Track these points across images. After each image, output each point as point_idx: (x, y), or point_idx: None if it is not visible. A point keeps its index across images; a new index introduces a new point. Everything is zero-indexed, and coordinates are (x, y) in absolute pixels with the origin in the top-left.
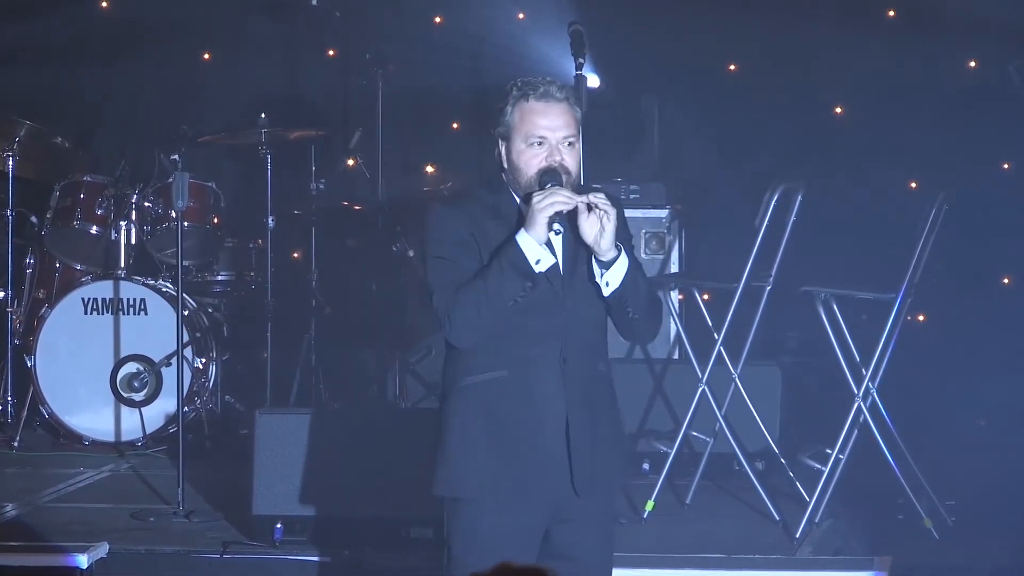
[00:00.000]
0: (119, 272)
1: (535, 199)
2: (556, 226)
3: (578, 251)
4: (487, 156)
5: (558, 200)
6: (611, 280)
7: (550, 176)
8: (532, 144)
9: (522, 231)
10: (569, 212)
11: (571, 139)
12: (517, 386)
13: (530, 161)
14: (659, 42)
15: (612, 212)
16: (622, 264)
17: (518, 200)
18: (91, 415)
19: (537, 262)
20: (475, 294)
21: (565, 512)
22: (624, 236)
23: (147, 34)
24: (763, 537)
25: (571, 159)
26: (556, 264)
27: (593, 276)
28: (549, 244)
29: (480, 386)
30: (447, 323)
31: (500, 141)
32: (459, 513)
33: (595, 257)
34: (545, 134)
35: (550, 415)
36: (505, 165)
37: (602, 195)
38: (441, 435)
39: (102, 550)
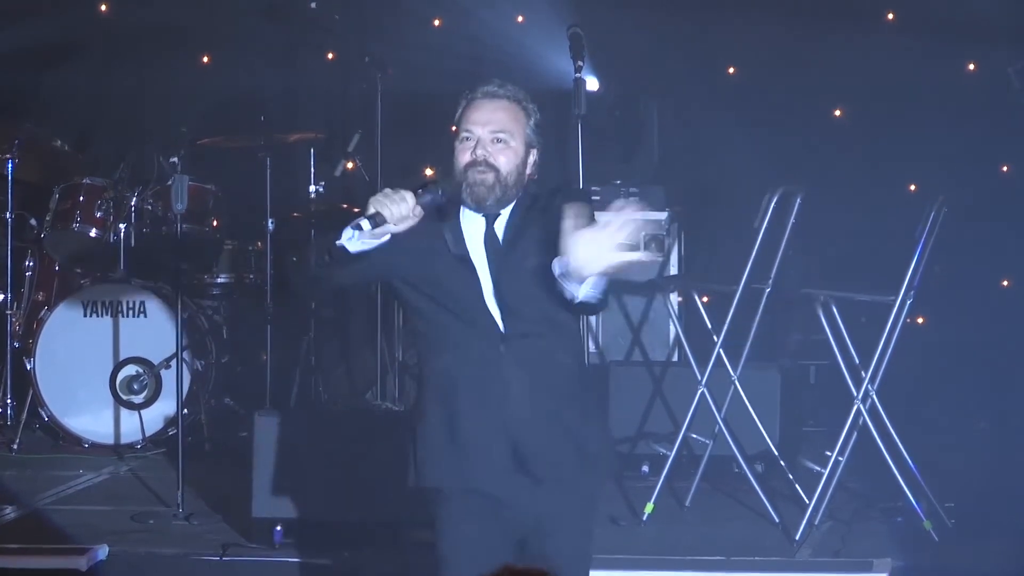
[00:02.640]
0: (118, 274)
1: (383, 190)
2: (364, 220)
3: (520, 240)
4: None
5: (384, 202)
6: (583, 293)
7: (428, 185)
8: (463, 139)
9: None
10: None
11: (502, 135)
12: (458, 373)
13: (458, 157)
14: (658, 45)
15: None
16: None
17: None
18: (91, 417)
19: (350, 239)
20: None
21: (535, 509)
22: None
23: (146, 37)
24: (763, 539)
25: (502, 156)
26: (465, 250)
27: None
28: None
29: (434, 376)
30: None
31: None
32: (434, 504)
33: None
34: (472, 128)
35: (486, 402)
36: None
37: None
38: (412, 428)
39: (102, 552)
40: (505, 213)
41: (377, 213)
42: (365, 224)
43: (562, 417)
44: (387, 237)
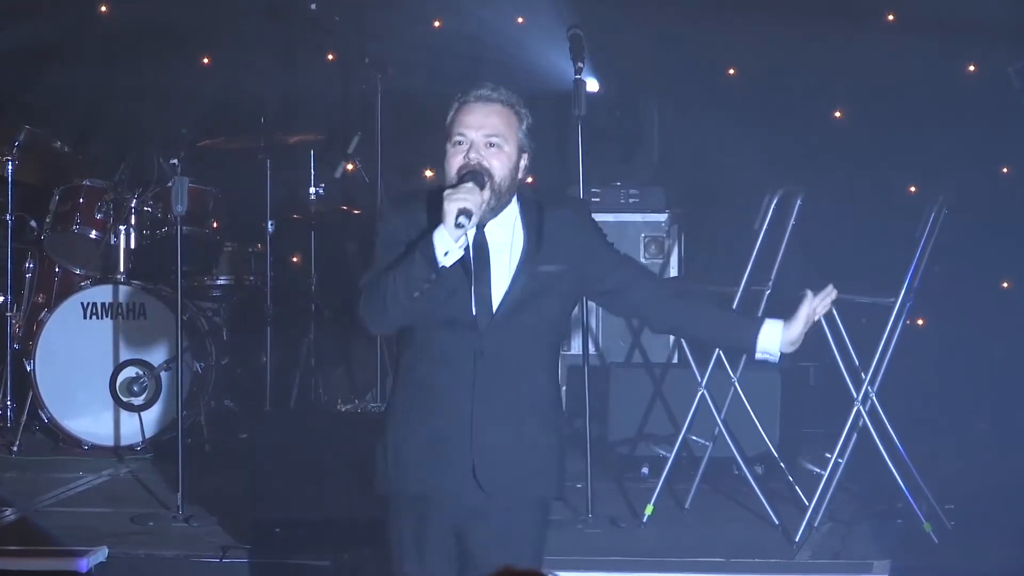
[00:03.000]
0: (118, 276)
1: (445, 192)
2: (461, 219)
3: (533, 251)
4: None
5: (460, 196)
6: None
7: (469, 174)
8: (455, 143)
9: (440, 226)
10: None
11: (495, 139)
12: (432, 383)
13: (451, 160)
14: (658, 46)
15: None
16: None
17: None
18: (90, 419)
19: (446, 254)
20: (384, 282)
21: (482, 517)
22: (598, 233)
23: (146, 38)
24: (762, 541)
25: (496, 160)
26: (467, 259)
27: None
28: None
29: (408, 384)
30: (361, 311)
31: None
32: (389, 511)
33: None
34: (465, 131)
35: (456, 412)
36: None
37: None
38: (379, 435)
39: (101, 554)
40: (497, 219)
41: (466, 210)
42: (464, 220)
43: (526, 434)
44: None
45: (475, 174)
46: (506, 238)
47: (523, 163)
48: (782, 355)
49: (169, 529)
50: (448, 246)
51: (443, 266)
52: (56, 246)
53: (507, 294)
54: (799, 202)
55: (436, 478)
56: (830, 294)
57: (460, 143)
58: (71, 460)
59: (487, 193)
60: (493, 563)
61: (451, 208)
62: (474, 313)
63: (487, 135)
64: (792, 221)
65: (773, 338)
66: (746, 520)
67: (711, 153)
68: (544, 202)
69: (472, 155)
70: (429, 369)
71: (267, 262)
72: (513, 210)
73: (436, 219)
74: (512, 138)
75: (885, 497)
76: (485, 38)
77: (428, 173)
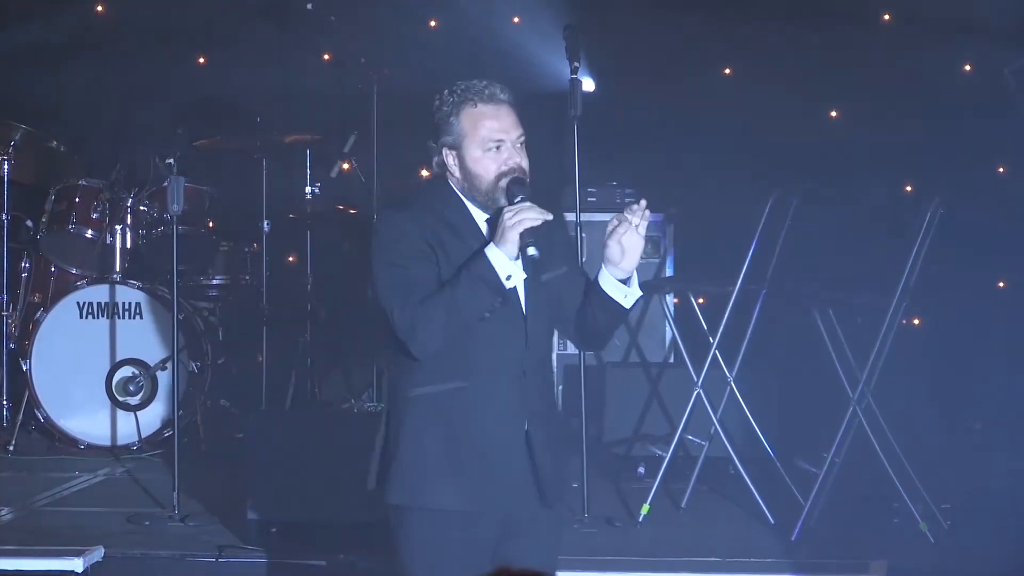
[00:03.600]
0: (114, 276)
1: (506, 215)
2: (531, 250)
3: (534, 263)
4: None
5: (528, 216)
6: (632, 291)
7: (518, 187)
8: (490, 149)
9: (492, 245)
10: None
11: (523, 140)
12: (478, 397)
13: (489, 166)
14: (654, 46)
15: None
16: (635, 275)
17: (469, 208)
18: (87, 419)
19: (508, 277)
20: (443, 307)
21: (517, 522)
22: (565, 239)
23: (143, 38)
24: (758, 540)
25: (525, 161)
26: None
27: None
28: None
29: (438, 396)
30: (411, 335)
31: (448, 150)
32: (412, 523)
33: (612, 273)
34: (502, 136)
35: (510, 427)
36: (458, 174)
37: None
38: (395, 444)
39: (97, 554)
40: None
41: (530, 229)
42: (532, 251)
43: (557, 438)
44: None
45: (523, 185)
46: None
47: None
48: (640, 293)
49: (165, 529)
50: (510, 269)
51: (509, 288)
52: (52, 246)
53: (528, 305)
54: (795, 202)
55: (492, 492)
56: (638, 210)
57: (498, 148)
58: (67, 460)
59: (538, 209)
60: (527, 564)
61: (519, 227)
62: (524, 325)
63: (518, 136)
64: (788, 221)
65: (605, 273)
66: (742, 520)
67: (706, 153)
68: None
69: (513, 161)
70: (469, 380)
71: (263, 262)
72: None
73: (444, 227)
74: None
75: (881, 497)
76: (481, 38)
77: (424, 173)
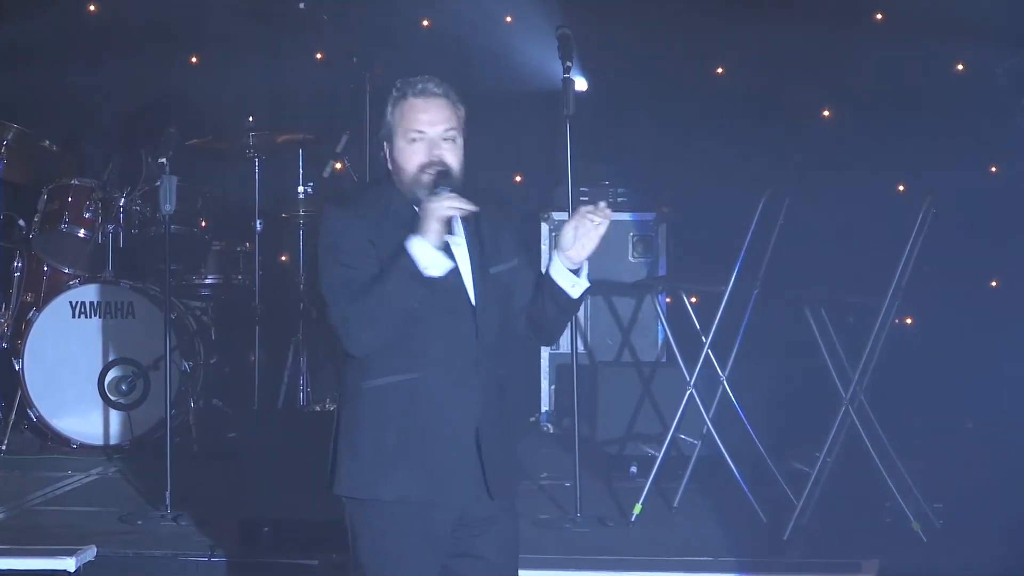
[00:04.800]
0: (107, 275)
1: (425, 203)
2: (453, 234)
3: (483, 254)
4: (469, 159)
5: (447, 205)
6: (580, 283)
7: (442, 178)
8: (412, 140)
9: (415, 236)
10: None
11: (451, 134)
12: (429, 389)
13: (411, 158)
14: (646, 45)
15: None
16: (585, 266)
17: (410, 202)
18: (79, 418)
19: (432, 267)
20: (373, 301)
21: (472, 514)
22: (515, 234)
23: (135, 37)
24: (750, 540)
25: (451, 155)
26: (456, 268)
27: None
28: (449, 249)
29: (390, 389)
30: (345, 332)
31: (384, 144)
32: (366, 515)
33: (562, 263)
34: (424, 128)
35: (460, 419)
36: (390, 166)
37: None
38: (349, 436)
39: (90, 553)
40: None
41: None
42: (451, 234)
43: (509, 430)
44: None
45: (447, 177)
46: (473, 234)
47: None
48: (589, 283)
49: (157, 528)
50: (432, 259)
51: (434, 277)
52: (44, 245)
53: (478, 298)
54: (787, 201)
55: (443, 484)
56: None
57: (419, 139)
58: (59, 459)
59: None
60: (485, 555)
61: (439, 215)
62: (474, 316)
63: (444, 130)
64: (780, 220)
65: (556, 262)
66: (734, 519)
67: (699, 152)
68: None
69: (436, 151)
70: (420, 372)
71: (255, 261)
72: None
73: (387, 218)
74: (461, 131)
75: (873, 496)
76: (473, 37)
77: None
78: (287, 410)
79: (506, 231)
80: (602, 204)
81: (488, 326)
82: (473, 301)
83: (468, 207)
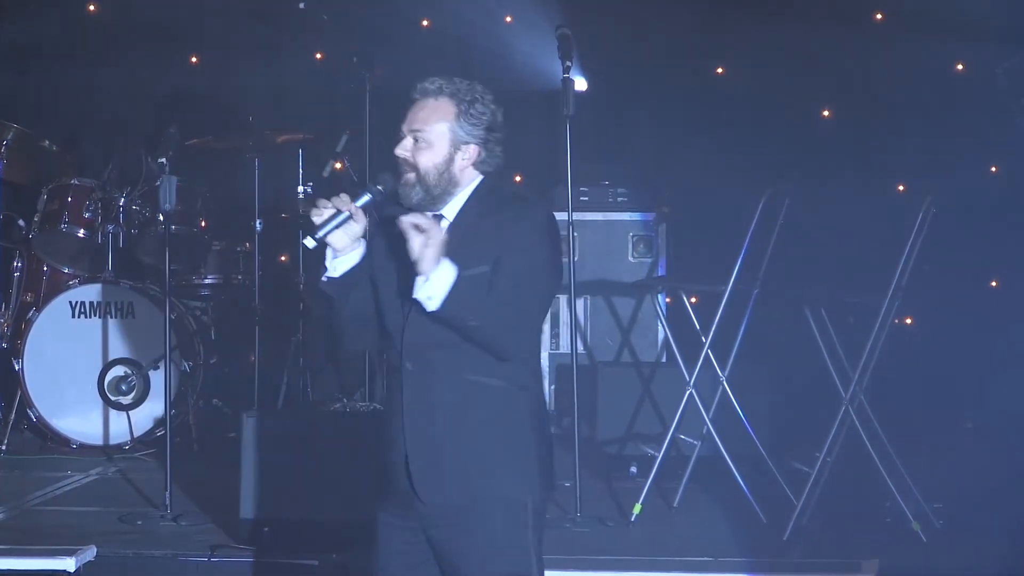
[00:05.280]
0: (106, 275)
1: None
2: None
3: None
4: None
5: (315, 209)
6: (433, 295)
7: (375, 180)
8: (398, 140)
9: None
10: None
11: (418, 134)
12: (388, 390)
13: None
14: (646, 45)
15: (417, 232)
16: (440, 281)
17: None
18: (79, 418)
19: (327, 272)
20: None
21: (446, 524)
22: (514, 245)
23: (134, 37)
24: (750, 540)
25: (420, 155)
26: (390, 268)
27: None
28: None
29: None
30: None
31: None
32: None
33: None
34: (402, 127)
35: (396, 419)
36: None
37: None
38: None
39: (90, 553)
40: (449, 215)
41: (313, 224)
42: (308, 242)
43: (461, 433)
44: (359, 250)
45: (370, 185)
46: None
47: (461, 155)
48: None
49: (157, 528)
50: (328, 261)
51: (332, 279)
52: (44, 245)
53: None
54: (788, 201)
55: (392, 492)
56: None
57: (400, 138)
58: (59, 459)
59: (359, 212)
60: (455, 561)
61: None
62: (399, 317)
63: (412, 130)
64: (780, 220)
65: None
66: (734, 519)
67: (699, 152)
68: (500, 202)
69: (399, 151)
70: (388, 373)
71: (255, 261)
72: (457, 204)
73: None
74: (441, 132)
75: (873, 496)
76: (473, 37)
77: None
78: (289, 409)
79: (492, 233)
80: (334, 199)
81: (422, 327)
82: (400, 303)
83: (339, 209)
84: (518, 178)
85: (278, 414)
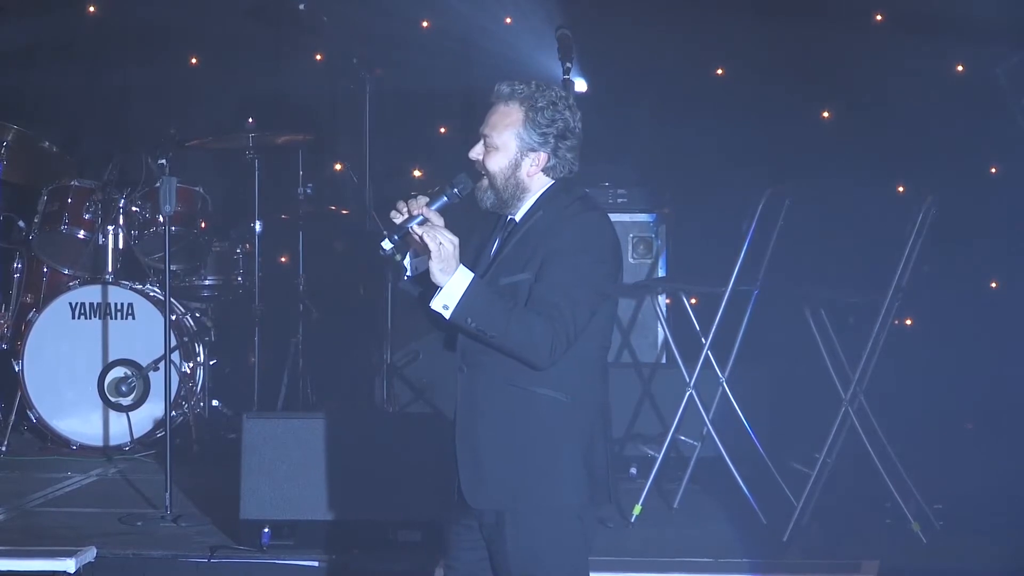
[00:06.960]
0: (107, 276)
1: None
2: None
3: (499, 262)
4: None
5: (393, 212)
6: (448, 304)
7: (448, 185)
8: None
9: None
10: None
11: (487, 136)
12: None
13: None
14: (646, 46)
15: (432, 238)
16: (453, 290)
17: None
18: (79, 419)
19: (409, 275)
20: None
21: (486, 521)
22: (562, 252)
23: (134, 38)
24: (750, 541)
25: (489, 159)
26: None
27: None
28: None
29: None
30: None
31: None
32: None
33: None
34: (480, 130)
35: (456, 424)
36: None
37: (433, 225)
38: None
39: (90, 554)
40: (516, 215)
41: (392, 225)
42: (386, 244)
43: (504, 440)
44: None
45: (446, 186)
46: (506, 240)
47: (530, 160)
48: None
49: (157, 529)
50: (406, 261)
51: (411, 278)
52: (44, 246)
53: None
54: (787, 202)
55: (455, 487)
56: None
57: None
58: (59, 460)
59: (433, 214)
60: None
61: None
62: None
63: (484, 133)
64: (780, 221)
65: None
66: (734, 520)
67: (699, 153)
68: (560, 208)
69: (471, 154)
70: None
71: (255, 262)
72: (525, 209)
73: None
74: (509, 136)
75: (873, 497)
76: (473, 38)
77: (417, 173)
78: (288, 411)
79: (540, 240)
80: (410, 200)
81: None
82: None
83: (402, 216)
84: None
85: (278, 415)
